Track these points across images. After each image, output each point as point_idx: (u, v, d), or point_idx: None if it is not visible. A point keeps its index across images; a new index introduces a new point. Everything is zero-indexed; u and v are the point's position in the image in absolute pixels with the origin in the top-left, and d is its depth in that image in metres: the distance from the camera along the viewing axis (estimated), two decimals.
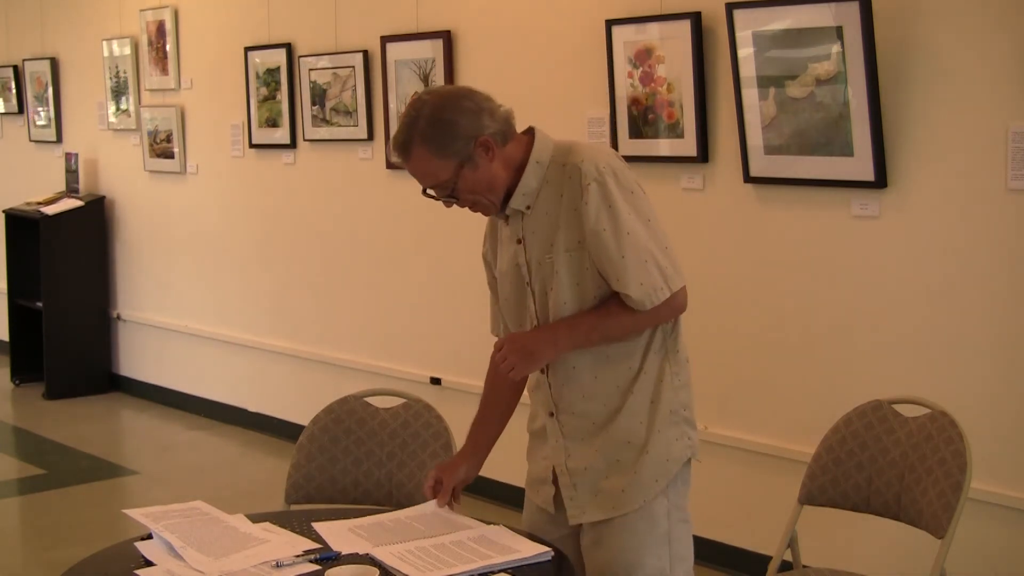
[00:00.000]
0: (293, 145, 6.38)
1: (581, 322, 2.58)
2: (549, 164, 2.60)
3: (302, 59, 6.19)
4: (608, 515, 2.60)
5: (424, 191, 2.61)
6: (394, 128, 5.98)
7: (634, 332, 2.60)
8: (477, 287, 5.62)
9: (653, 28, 4.58)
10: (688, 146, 4.53)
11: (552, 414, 2.67)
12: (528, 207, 2.61)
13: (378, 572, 2.35)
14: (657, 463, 2.60)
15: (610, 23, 4.70)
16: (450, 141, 2.52)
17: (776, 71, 4.18)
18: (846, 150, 4.02)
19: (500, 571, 2.39)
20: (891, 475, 3.15)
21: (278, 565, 2.42)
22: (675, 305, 2.61)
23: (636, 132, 4.69)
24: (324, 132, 6.15)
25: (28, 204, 7.94)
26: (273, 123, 6.45)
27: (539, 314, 2.64)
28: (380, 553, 2.46)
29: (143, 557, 2.50)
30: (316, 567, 2.42)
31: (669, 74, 4.55)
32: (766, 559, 3.37)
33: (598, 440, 2.61)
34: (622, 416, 2.60)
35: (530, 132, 2.65)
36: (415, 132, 2.53)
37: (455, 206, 2.63)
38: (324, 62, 6.06)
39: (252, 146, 6.63)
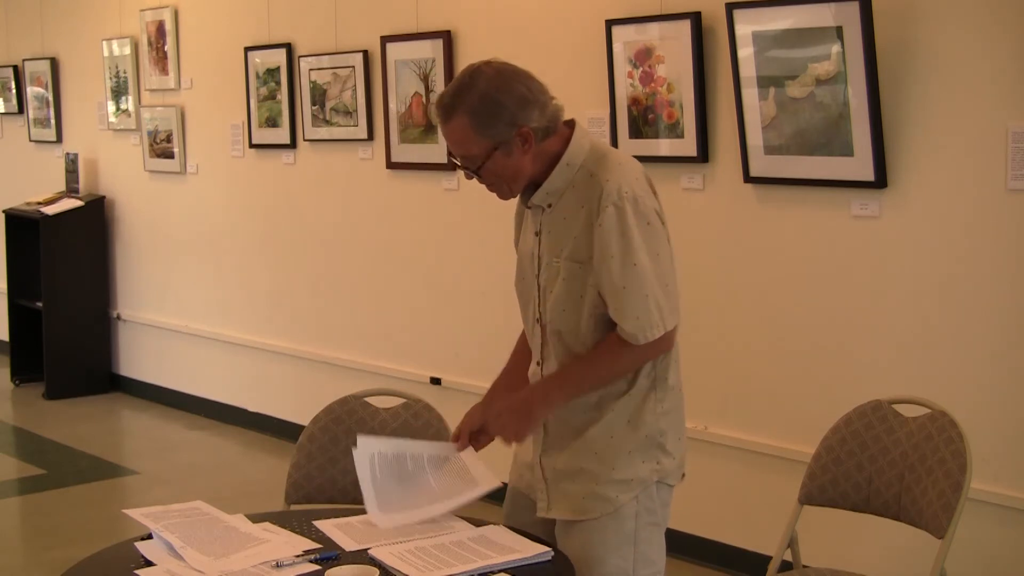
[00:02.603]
0: (293, 145, 6.38)
1: (570, 375, 2.59)
2: (579, 168, 2.58)
3: (302, 59, 6.19)
4: (569, 517, 2.63)
5: (450, 154, 2.60)
6: (394, 128, 6.02)
7: (623, 374, 2.58)
8: (477, 287, 5.63)
9: (653, 28, 4.58)
10: (688, 146, 4.53)
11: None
12: (549, 205, 2.61)
13: (378, 572, 2.35)
14: (620, 480, 2.60)
15: (610, 23, 4.70)
16: (493, 122, 2.50)
17: (776, 71, 4.19)
18: (846, 150, 4.02)
19: (500, 571, 2.39)
20: (891, 475, 3.15)
21: (278, 565, 2.42)
22: (662, 345, 2.58)
23: (636, 132, 4.69)
24: (324, 132, 6.15)
25: (28, 204, 7.94)
26: (273, 123, 6.46)
27: (540, 308, 2.65)
28: (380, 553, 2.47)
29: (143, 557, 2.50)
30: (316, 567, 2.42)
31: (669, 74, 4.55)
32: (766, 559, 3.37)
33: (572, 445, 2.63)
34: (596, 428, 2.60)
35: (570, 124, 2.63)
36: (462, 100, 2.51)
37: (474, 180, 2.62)
38: (324, 62, 6.06)
39: (252, 146, 6.63)
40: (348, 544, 2.55)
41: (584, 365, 2.58)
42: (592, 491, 2.60)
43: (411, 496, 2.71)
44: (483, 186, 2.65)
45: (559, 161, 2.57)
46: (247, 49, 6.54)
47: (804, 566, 3.35)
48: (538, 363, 2.70)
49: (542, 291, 2.64)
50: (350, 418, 3.23)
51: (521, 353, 2.85)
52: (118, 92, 7.59)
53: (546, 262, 2.62)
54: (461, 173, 2.64)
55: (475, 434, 2.78)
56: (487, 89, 2.51)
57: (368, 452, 2.75)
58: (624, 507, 2.59)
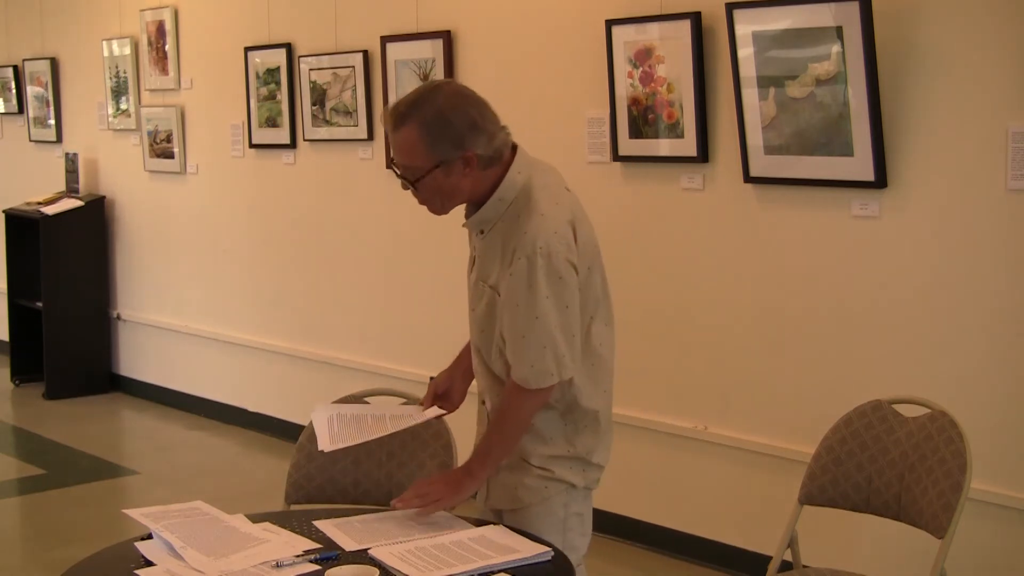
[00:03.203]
0: (293, 145, 6.38)
1: (486, 449, 2.71)
2: (510, 204, 2.65)
3: (302, 59, 6.19)
4: (505, 506, 2.76)
5: (391, 161, 2.67)
6: None
7: (531, 418, 2.67)
8: None
9: (653, 28, 4.58)
10: (688, 146, 4.53)
11: (484, 403, 2.84)
12: (482, 231, 2.70)
13: (378, 572, 2.35)
14: (548, 477, 2.73)
15: (610, 23, 4.70)
16: (441, 139, 2.57)
17: (776, 71, 4.18)
18: (846, 150, 4.02)
19: (500, 571, 2.39)
20: (891, 475, 3.15)
21: (278, 565, 2.42)
22: (548, 395, 2.67)
23: (636, 132, 4.69)
24: (324, 132, 6.15)
25: (28, 204, 7.94)
26: (273, 123, 6.46)
27: (471, 321, 2.78)
28: (380, 553, 2.47)
29: (143, 557, 2.50)
30: (316, 567, 2.42)
31: (669, 74, 4.55)
32: (766, 559, 3.37)
33: None
34: (523, 441, 2.72)
35: (513, 149, 2.69)
36: (418, 111, 2.58)
37: (409, 192, 2.70)
38: (324, 62, 6.06)
39: (252, 146, 6.63)
40: (348, 544, 2.55)
41: (494, 433, 2.71)
42: (522, 482, 2.73)
43: (363, 433, 2.86)
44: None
45: (490, 199, 2.65)
46: (247, 49, 6.54)
47: (804, 566, 3.35)
48: (479, 362, 2.81)
49: (470, 307, 2.76)
50: None
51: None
52: (118, 92, 7.59)
53: (474, 281, 2.73)
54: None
55: (439, 398, 2.93)
56: (443, 106, 2.58)
57: (326, 414, 2.91)
58: (553, 498, 2.73)
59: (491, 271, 2.67)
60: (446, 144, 2.57)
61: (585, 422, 2.74)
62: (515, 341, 2.61)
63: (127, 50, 7.45)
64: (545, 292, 2.58)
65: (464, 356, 2.95)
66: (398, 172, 2.66)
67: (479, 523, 2.68)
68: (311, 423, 2.96)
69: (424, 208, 2.77)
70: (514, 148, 2.68)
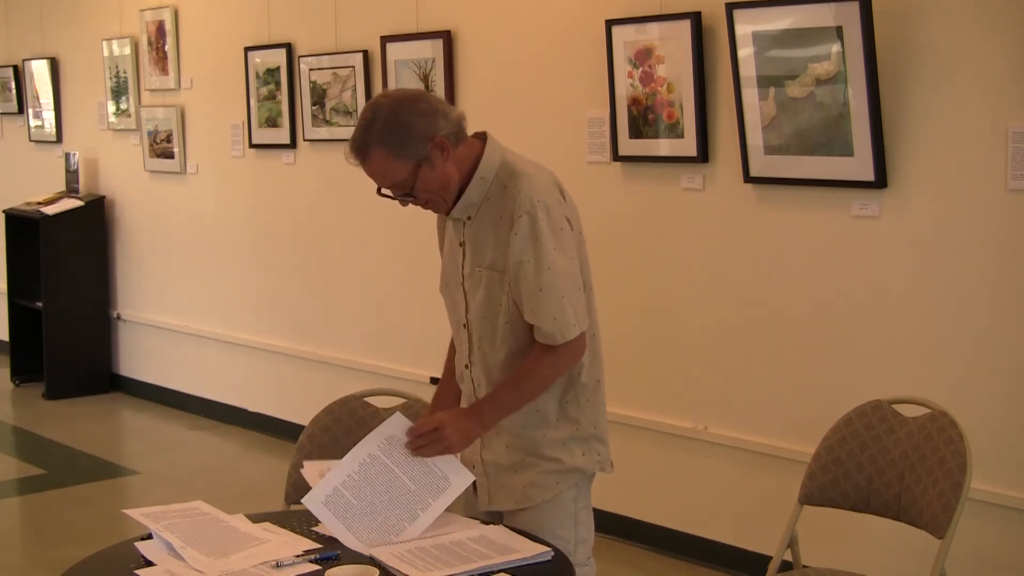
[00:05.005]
0: (293, 145, 6.38)
1: (500, 395, 2.68)
2: (493, 181, 2.68)
3: (302, 59, 6.19)
4: (511, 507, 2.74)
5: (379, 190, 2.70)
6: None
7: (549, 383, 2.67)
8: None
9: (653, 28, 4.58)
10: (688, 146, 4.53)
11: None
12: (469, 217, 2.72)
13: (378, 572, 2.36)
14: (560, 471, 2.73)
15: (610, 23, 4.70)
16: (407, 143, 2.59)
17: (776, 71, 4.19)
18: (846, 150, 4.02)
19: (500, 571, 2.39)
20: (891, 475, 3.15)
21: (278, 565, 2.42)
22: (577, 347, 2.67)
23: (636, 132, 4.69)
24: (324, 132, 6.15)
25: (28, 204, 7.94)
26: (273, 123, 6.46)
27: (467, 315, 2.79)
28: (380, 553, 2.47)
29: (143, 557, 2.50)
30: (316, 567, 2.42)
31: (669, 74, 4.55)
32: (766, 559, 3.37)
33: (506, 438, 2.75)
34: (527, 426, 2.72)
35: (482, 137, 2.72)
36: (372, 134, 2.60)
37: (410, 204, 2.72)
38: (324, 62, 6.06)
39: (252, 146, 6.63)
40: (355, 545, 2.53)
41: (512, 383, 2.68)
42: (533, 480, 2.72)
43: (391, 511, 2.59)
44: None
45: (475, 172, 2.67)
46: (247, 49, 6.54)
47: (804, 566, 3.35)
48: (466, 366, 2.81)
49: (468, 298, 2.77)
50: (350, 418, 3.23)
51: (452, 366, 2.96)
52: (118, 92, 7.59)
53: (469, 271, 2.75)
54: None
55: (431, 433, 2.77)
56: (390, 116, 2.60)
57: (318, 500, 2.60)
58: (564, 493, 2.73)
59: (485, 254, 2.69)
60: (414, 144, 2.59)
61: (585, 395, 2.74)
62: (532, 297, 2.61)
63: (127, 50, 7.45)
64: (552, 244, 2.61)
65: (440, 398, 2.94)
66: (391, 195, 2.69)
67: (486, 523, 2.68)
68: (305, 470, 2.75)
69: (422, 208, 2.79)
70: (485, 137, 2.72)
